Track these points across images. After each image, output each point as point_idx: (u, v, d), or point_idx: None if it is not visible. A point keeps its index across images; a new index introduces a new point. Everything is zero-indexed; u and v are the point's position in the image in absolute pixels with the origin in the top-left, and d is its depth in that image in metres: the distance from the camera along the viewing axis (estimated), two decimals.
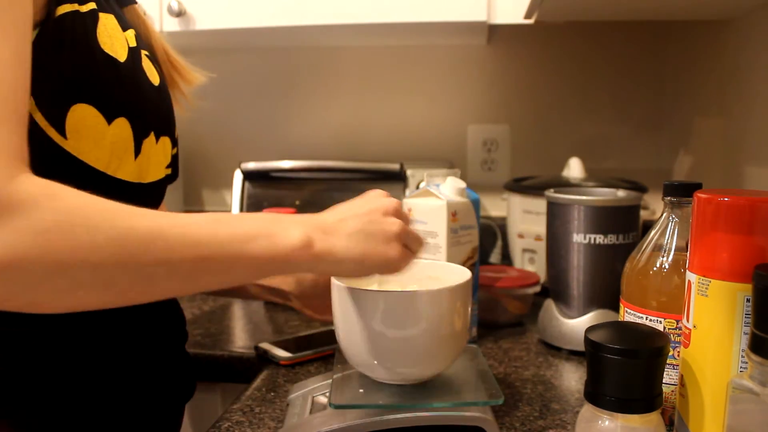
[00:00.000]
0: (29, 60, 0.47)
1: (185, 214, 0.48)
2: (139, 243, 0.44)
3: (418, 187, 1.08)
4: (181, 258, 0.46)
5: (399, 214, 0.58)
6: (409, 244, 0.58)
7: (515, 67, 1.42)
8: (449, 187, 0.88)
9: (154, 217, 0.46)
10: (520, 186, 1.20)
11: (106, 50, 0.56)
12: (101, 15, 0.58)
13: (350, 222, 0.55)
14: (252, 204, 1.32)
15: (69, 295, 0.43)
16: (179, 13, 1.13)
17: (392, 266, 0.57)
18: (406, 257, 0.58)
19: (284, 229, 0.51)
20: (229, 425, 0.69)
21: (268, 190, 1.33)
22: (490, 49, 1.42)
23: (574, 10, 1.11)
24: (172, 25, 1.14)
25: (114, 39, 0.58)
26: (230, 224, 0.49)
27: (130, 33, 0.62)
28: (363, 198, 0.59)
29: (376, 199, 0.59)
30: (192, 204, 1.56)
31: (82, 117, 0.54)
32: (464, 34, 1.26)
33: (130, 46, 0.60)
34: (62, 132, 0.53)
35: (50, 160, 0.53)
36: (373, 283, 0.70)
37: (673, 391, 0.60)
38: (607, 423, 0.51)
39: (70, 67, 0.53)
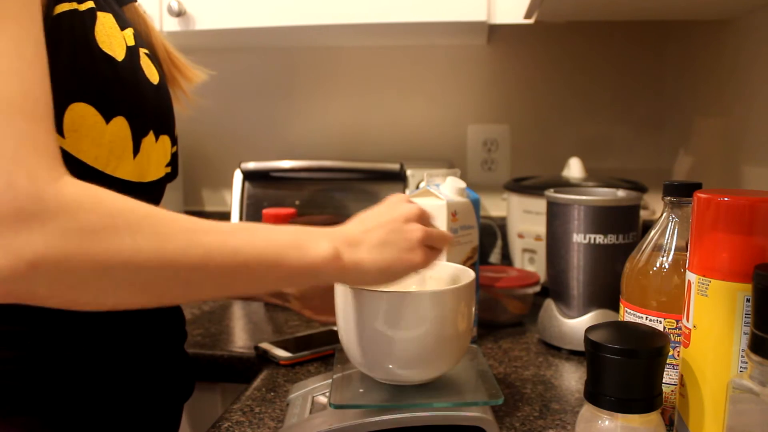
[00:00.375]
0: (47, 59, 0.47)
1: (221, 222, 0.50)
2: (179, 248, 0.46)
3: (418, 187, 1.08)
4: (218, 264, 0.47)
5: (420, 218, 0.60)
6: (434, 245, 0.60)
7: (515, 67, 1.42)
8: (449, 187, 0.88)
9: (192, 223, 0.48)
10: (520, 186, 1.20)
11: (104, 49, 0.56)
12: (99, 14, 0.58)
13: (374, 233, 0.57)
14: (252, 204, 1.32)
15: (109, 295, 0.45)
16: (179, 13, 1.13)
17: (416, 271, 0.58)
18: (431, 258, 0.59)
19: (314, 241, 0.53)
20: (229, 425, 0.69)
21: (268, 190, 1.33)
22: (490, 49, 1.42)
23: (574, 10, 1.11)
24: (172, 25, 1.14)
25: (112, 38, 0.58)
26: (264, 234, 0.51)
27: (129, 32, 0.62)
28: (384, 205, 0.61)
29: (396, 206, 0.60)
30: (192, 204, 1.56)
31: (80, 116, 0.54)
32: (464, 34, 1.26)
33: (129, 45, 0.60)
34: (60, 131, 0.53)
35: None
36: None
37: (673, 391, 0.60)
38: (607, 423, 0.51)
39: (67, 66, 0.53)
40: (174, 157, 0.71)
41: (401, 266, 0.57)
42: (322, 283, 0.57)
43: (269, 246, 0.51)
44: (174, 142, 0.70)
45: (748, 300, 0.49)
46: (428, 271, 0.61)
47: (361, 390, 0.64)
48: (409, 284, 0.71)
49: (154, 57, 0.67)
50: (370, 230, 0.57)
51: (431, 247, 0.59)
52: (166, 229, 0.46)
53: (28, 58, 0.45)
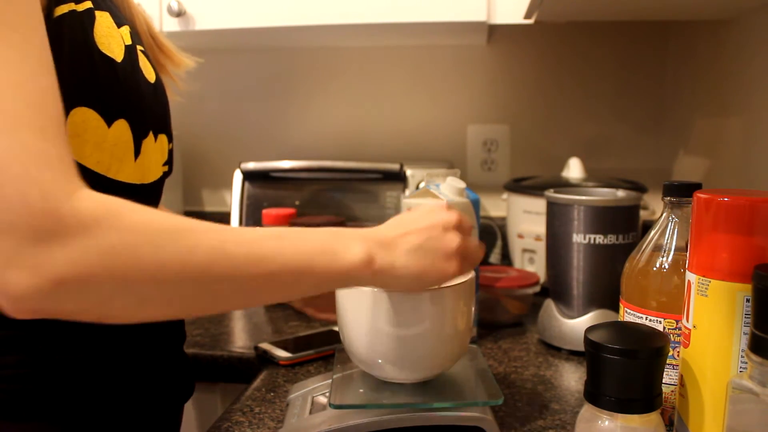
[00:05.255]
0: (53, 66, 0.46)
1: (247, 229, 0.49)
2: (203, 261, 0.45)
3: (418, 187, 1.08)
4: (244, 275, 0.47)
5: (460, 227, 0.58)
6: (468, 257, 0.58)
7: (515, 67, 1.42)
8: (449, 187, 0.88)
9: (217, 233, 0.47)
10: (520, 186, 1.20)
11: (104, 50, 0.56)
12: (97, 13, 0.57)
13: (410, 237, 0.55)
14: (252, 204, 1.32)
15: (137, 310, 0.45)
16: (179, 13, 1.13)
17: (448, 280, 0.57)
18: (465, 270, 0.58)
19: (346, 245, 0.51)
20: (229, 425, 0.69)
21: (268, 190, 1.33)
22: (490, 49, 1.42)
23: (574, 10, 1.11)
24: (172, 25, 1.14)
25: (110, 38, 0.57)
26: (293, 240, 0.50)
27: (125, 30, 0.61)
28: (424, 211, 0.59)
29: (437, 212, 0.58)
30: (192, 204, 1.56)
31: (83, 120, 0.53)
32: (464, 34, 1.26)
33: (126, 44, 0.59)
34: None
35: None
36: None
37: (673, 391, 0.60)
38: (606, 423, 0.51)
39: (69, 70, 0.52)
40: (170, 154, 0.70)
41: (435, 274, 0.55)
42: (354, 287, 0.56)
43: (298, 253, 0.49)
44: (170, 139, 0.69)
45: (748, 300, 0.49)
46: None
47: (361, 390, 0.64)
48: None
49: (147, 52, 0.66)
50: (407, 234, 0.55)
51: (465, 260, 0.58)
52: (189, 242, 0.45)
53: (32, 69, 0.43)
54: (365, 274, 0.52)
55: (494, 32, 1.35)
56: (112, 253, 0.41)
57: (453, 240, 0.56)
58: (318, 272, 0.50)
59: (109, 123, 0.56)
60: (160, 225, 0.44)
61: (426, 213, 0.58)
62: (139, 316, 0.46)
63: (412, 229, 0.56)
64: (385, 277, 0.54)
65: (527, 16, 1.05)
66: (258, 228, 0.50)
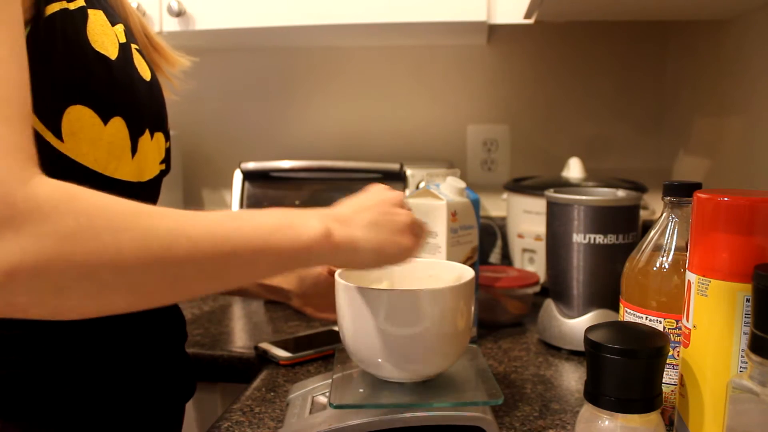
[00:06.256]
0: (26, 58, 0.45)
1: (205, 212, 0.48)
2: (163, 242, 0.43)
3: (418, 187, 1.08)
4: (206, 255, 0.46)
5: (404, 205, 0.60)
6: (418, 233, 0.60)
7: (515, 67, 1.42)
8: (449, 187, 0.88)
9: (175, 215, 0.45)
10: (520, 186, 1.20)
11: (98, 48, 0.56)
12: (90, 12, 0.57)
13: (364, 214, 0.56)
14: (252, 204, 1.32)
15: (95, 300, 0.42)
16: (179, 13, 1.12)
17: (406, 255, 0.59)
18: (418, 245, 0.60)
19: (304, 220, 0.52)
20: (229, 425, 0.69)
21: (268, 190, 1.32)
22: (490, 49, 1.42)
23: (574, 10, 1.11)
24: (172, 25, 1.14)
25: (104, 36, 0.57)
26: (251, 219, 0.50)
27: (119, 28, 0.61)
28: (368, 192, 0.61)
29: (382, 192, 0.60)
30: (192, 204, 1.55)
31: (78, 118, 0.53)
32: (464, 34, 1.26)
33: (120, 42, 0.59)
34: (59, 135, 0.52)
35: (48, 164, 0.49)
36: (377, 281, 0.70)
37: (673, 391, 0.60)
38: (606, 423, 0.51)
39: (62, 69, 0.52)
40: (167, 152, 0.70)
41: (394, 248, 0.57)
42: (315, 265, 0.56)
43: (258, 230, 0.49)
44: (167, 137, 0.69)
45: (748, 300, 0.49)
46: (415, 257, 0.61)
47: (360, 390, 0.64)
48: (413, 283, 0.72)
49: (142, 51, 0.66)
50: (360, 211, 0.56)
51: (416, 234, 0.60)
52: (148, 225, 0.43)
53: (1, 59, 0.42)
54: (325, 249, 0.52)
55: (494, 32, 1.35)
56: (69, 238, 0.39)
57: (403, 214, 0.58)
58: (277, 248, 0.49)
59: (105, 121, 0.55)
60: (117, 209, 0.43)
61: (372, 194, 0.60)
62: (96, 308, 0.43)
63: (364, 206, 0.57)
64: (345, 251, 0.54)
65: (527, 16, 1.05)
66: (216, 211, 0.49)
